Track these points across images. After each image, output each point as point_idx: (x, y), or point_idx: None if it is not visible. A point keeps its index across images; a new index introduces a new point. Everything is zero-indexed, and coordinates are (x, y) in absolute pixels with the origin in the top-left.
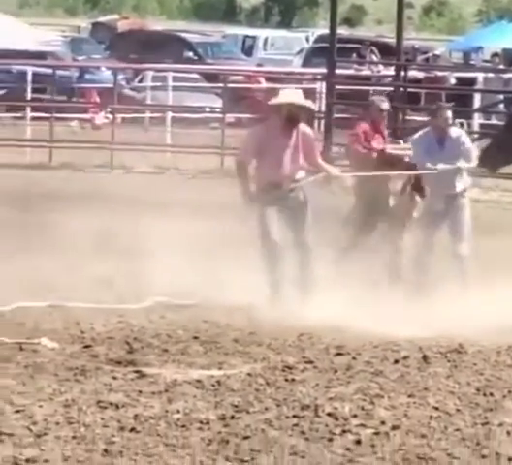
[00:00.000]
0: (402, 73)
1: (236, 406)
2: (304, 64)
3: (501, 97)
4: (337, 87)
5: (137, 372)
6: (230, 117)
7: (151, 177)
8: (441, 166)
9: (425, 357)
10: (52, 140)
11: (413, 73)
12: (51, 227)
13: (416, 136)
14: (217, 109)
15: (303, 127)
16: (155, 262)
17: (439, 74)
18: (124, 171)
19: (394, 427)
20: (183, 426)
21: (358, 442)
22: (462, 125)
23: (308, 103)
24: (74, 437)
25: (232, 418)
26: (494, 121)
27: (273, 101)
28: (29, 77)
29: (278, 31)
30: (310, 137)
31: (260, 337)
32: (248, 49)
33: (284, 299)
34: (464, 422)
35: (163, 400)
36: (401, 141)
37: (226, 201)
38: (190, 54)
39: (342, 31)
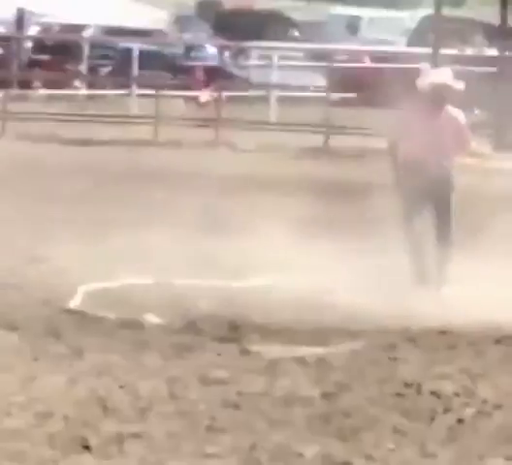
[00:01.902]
0: (507, 53)
1: (338, 384)
2: (409, 44)
3: None
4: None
5: (241, 349)
6: (334, 96)
7: (256, 155)
8: None
9: None
10: (158, 117)
11: None
12: (158, 204)
13: None
14: (321, 88)
15: (452, 110)
16: (262, 239)
17: None
18: (229, 149)
19: (496, 407)
20: (286, 403)
21: (460, 421)
22: None
23: (459, 84)
24: (177, 413)
25: (334, 395)
26: None
27: (424, 82)
28: (135, 54)
29: (383, 11)
30: (459, 121)
31: (364, 316)
32: (353, 29)
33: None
34: None
35: (266, 377)
36: None
37: (331, 180)
38: (295, 33)
39: (447, 11)
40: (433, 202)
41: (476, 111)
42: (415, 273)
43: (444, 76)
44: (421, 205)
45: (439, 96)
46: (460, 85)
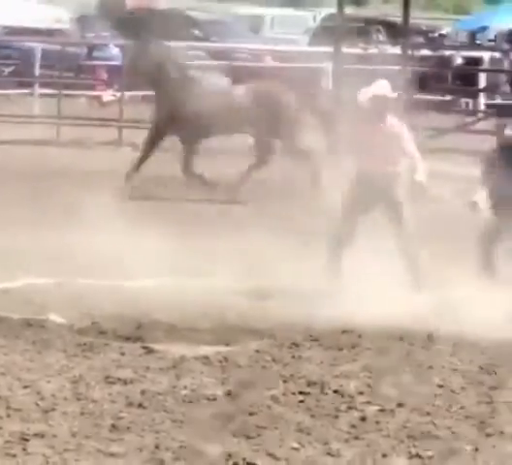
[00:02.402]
0: (409, 52)
1: (242, 382)
2: (311, 43)
3: (506, 77)
4: (344, 66)
5: (145, 348)
6: None
7: (158, 154)
8: None
9: (429, 336)
10: (60, 117)
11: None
12: (59, 203)
13: None
14: None
15: (393, 120)
16: (162, 239)
17: (446, 53)
18: (132, 149)
19: (399, 405)
20: (190, 402)
21: (363, 419)
22: (467, 104)
23: (394, 95)
24: (81, 412)
25: (238, 394)
26: (498, 101)
27: (364, 96)
28: (38, 54)
29: (285, 10)
30: (399, 128)
31: (267, 314)
32: (255, 28)
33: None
34: (469, 400)
35: (170, 376)
36: None
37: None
38: (196, 32)
39: (349, 10)
40: (386, 214)
41: None
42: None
43: (382, 88)
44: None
45: (381, 108)
46: (395, 95)
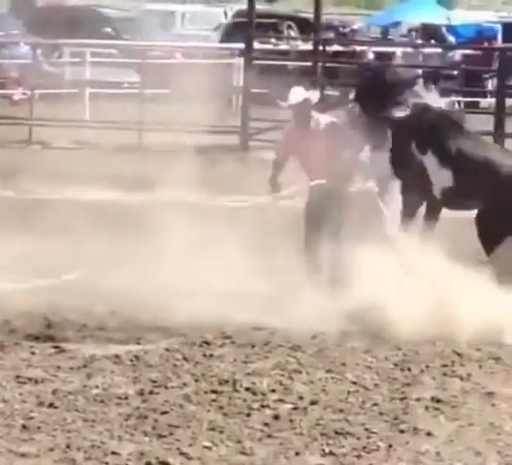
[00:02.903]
0: (320, 48)
1: (154, 381)
2: (223, 39)
3: (419, 72)
4: (256, 62)
5: (55, 347)
6: (148, 93)
7: (70, 153)
8: None
9: (343, 332)
10: None
11: (333, 48)
12: None
13: None
14: (136, 85)
15: (323, 118)
16: (75, 238)
17: (357, 48)
18: (42, 147)
19: (312, 402)
20: (102, 401)
21: (276, 417)
22: None
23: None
24: None
25: (150, 393)
26: None
27: (291, 102)
28: None
29: (196, 6)
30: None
31: (178, 313)
32: (166, 25)
33: None
34: (382, 397)
35: (81, 375)
36: None
37: (141, 176)
38: (108, 30)
39: (261, 6)
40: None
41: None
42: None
43: (299, 94)
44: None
45: (306, 111)
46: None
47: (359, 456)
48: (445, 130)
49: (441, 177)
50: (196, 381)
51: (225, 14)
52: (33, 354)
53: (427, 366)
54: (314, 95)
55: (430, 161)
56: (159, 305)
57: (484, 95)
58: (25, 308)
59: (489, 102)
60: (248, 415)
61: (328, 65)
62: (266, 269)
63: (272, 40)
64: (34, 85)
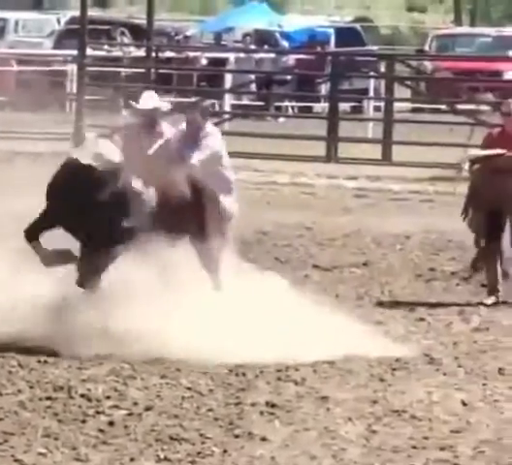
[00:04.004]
0: (154, 54)
1: None
2: (56, 46)
3: (252, 77)
4: (89, 69)
5: None
6: None
7: None
8: None
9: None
10: None
11: (166, 54)
12: None
13: None
14: None
15: (166, 127)
16: None
17: (191, 54)
18: None
19: (146, 408)
20: None
21: (111, 423)
22: (213, 106)
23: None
24: None
25: None
26: (245, 101)
27: (134, 110)
28: None
29: (29, 13)
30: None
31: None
32: None
33: None
34: (217, 402)
35: None
36: None
37: None
38: None
39: (94, 13)
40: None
41: (125, 113)
42: None
43: (151, 100)
44: None
45: (152, 119)
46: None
47: (193, 462)
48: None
49: None
50: (31, 387)
51: (58, 20)
52: None
53: (261, 371)
54: (165, 104)
55: None
56: None
57: (317, 100)
58: None
59: (322, 106)
60: (83, 421)
61: (161, 71)
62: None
63: (106, 46)
64: None
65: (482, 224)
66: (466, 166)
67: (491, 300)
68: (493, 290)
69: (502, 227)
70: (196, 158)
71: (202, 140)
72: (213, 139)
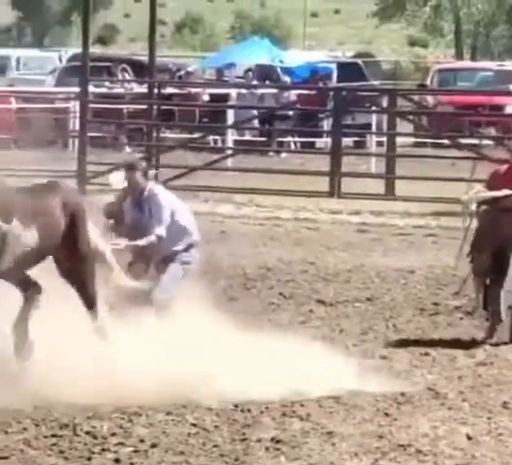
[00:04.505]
0: (156, 90)
1: None
2: (58, 83)
3: (255, 113)
4: (91, 106)
5: None
6: None
7: None
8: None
9: None
10: None
11: (168, 90)
12: None
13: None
14: None
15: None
16: None
17: (192, 90)
18: None
19: (152, 445)
20: None
21: (117, 460)
22: (215, 141)
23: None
24: None
25: None
26: (247, 137)
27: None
28: None
29: (31, 51)
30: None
31: None
32: (1, 69)
33: None
34: (223, 439)
35: None
36: None
37: None
38: None
39: (95, 50)
40: None
41: (128, 150)
42: None
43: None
44: None
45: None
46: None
47: None
48: None
49: None
50: (36, 425)
51: (60, 58)
52: None
53: (266, 407)
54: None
55: None
56: None
57: (320, 135)
58: None
59: (324, 141)
60: (89, 459)
61: (163, 107)
62: None
63: (107, 83)
64: None
65: (487, 265)
66: (474, 206)
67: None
68: (492, 330)
69: (506, 270)
70: (159, 231)
71: (151, 206)
72: (160, 198)
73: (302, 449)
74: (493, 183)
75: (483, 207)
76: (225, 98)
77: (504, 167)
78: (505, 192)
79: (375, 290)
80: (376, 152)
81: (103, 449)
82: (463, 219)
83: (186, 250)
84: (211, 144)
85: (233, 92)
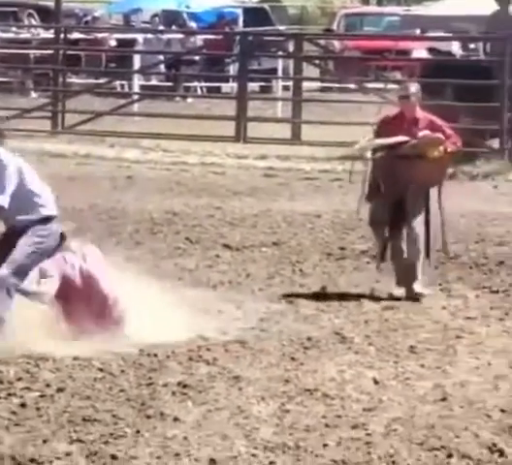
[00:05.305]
0: (62, 35)
1: None
2: None
3: (161, 58)
4: None
5: None
6: None
7: None
8: None
9: None
10: None
11: (75, 35)
12: None
13: None
14: None
15: None
16: None
17: (99, 36)
18: None
19: (59, 389)
20: None
21: (23, 405)
22: (122, 86)
23: None
24: None
25: None
26: (154, 82)
27: None
28: None
29: None
30: None
31: None
32: None
33: None
34: (129, 383)
35: None
36: None
37: None
38: None
39: None
40: None
41: (34, 95)
42: None
43: None
44: None
45: None
46: None
47: (106, 442)
48: None
49: None
50: None
51: None
52: None
53: (173, 352)
54: None
55: None
56: None
57: (226, 80)
58: None
59: (231, 86)
60: None
61: (70, 53)
62: None
63: (14, 28)
64: None
65: (381, 216)
66: (368, 154)
67: (400, 291)
68: (400, 280)
69: (405, 217)
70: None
71: None
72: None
73: (208, 394)
74: (383, 130)
75: (378, 154)
76: (131, 43)
77: (394, 114)
78: (399, 138)
79: (282, 234)
80: (282, 97)
81: (9, 394)
82: (361, 164)
83: (42, 222)
84: (118, 89)
85: (139, 37)
